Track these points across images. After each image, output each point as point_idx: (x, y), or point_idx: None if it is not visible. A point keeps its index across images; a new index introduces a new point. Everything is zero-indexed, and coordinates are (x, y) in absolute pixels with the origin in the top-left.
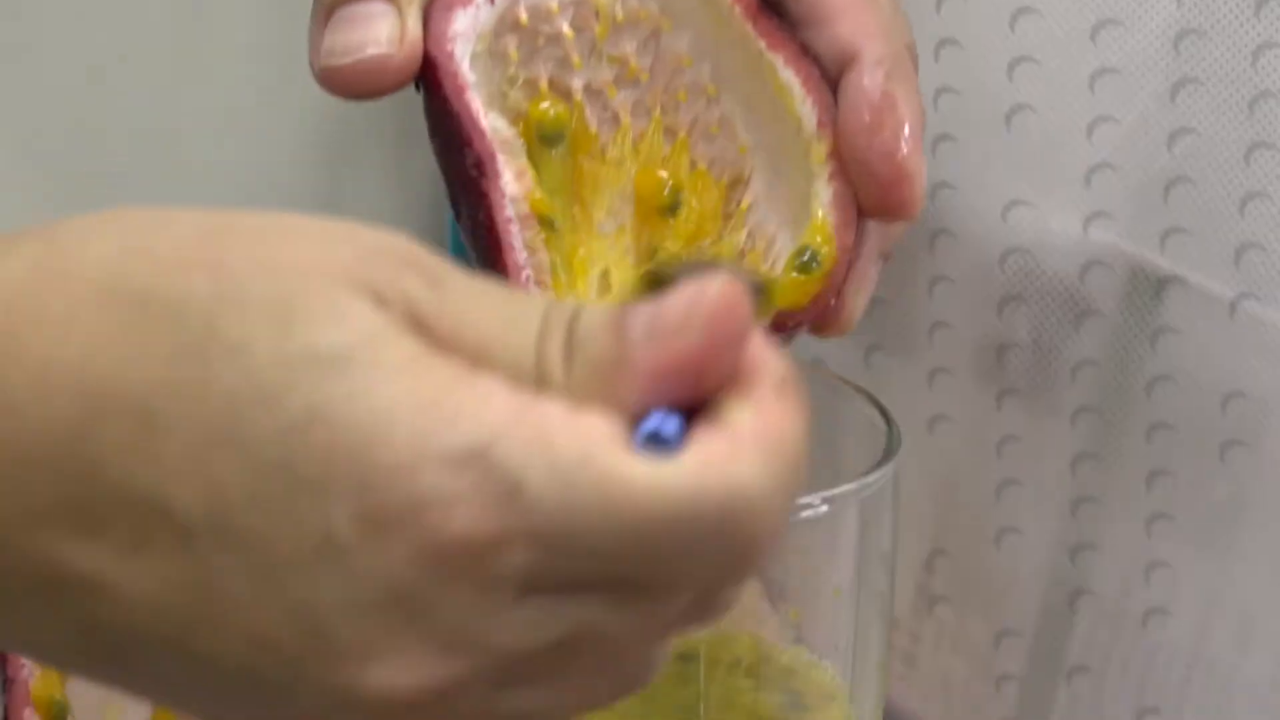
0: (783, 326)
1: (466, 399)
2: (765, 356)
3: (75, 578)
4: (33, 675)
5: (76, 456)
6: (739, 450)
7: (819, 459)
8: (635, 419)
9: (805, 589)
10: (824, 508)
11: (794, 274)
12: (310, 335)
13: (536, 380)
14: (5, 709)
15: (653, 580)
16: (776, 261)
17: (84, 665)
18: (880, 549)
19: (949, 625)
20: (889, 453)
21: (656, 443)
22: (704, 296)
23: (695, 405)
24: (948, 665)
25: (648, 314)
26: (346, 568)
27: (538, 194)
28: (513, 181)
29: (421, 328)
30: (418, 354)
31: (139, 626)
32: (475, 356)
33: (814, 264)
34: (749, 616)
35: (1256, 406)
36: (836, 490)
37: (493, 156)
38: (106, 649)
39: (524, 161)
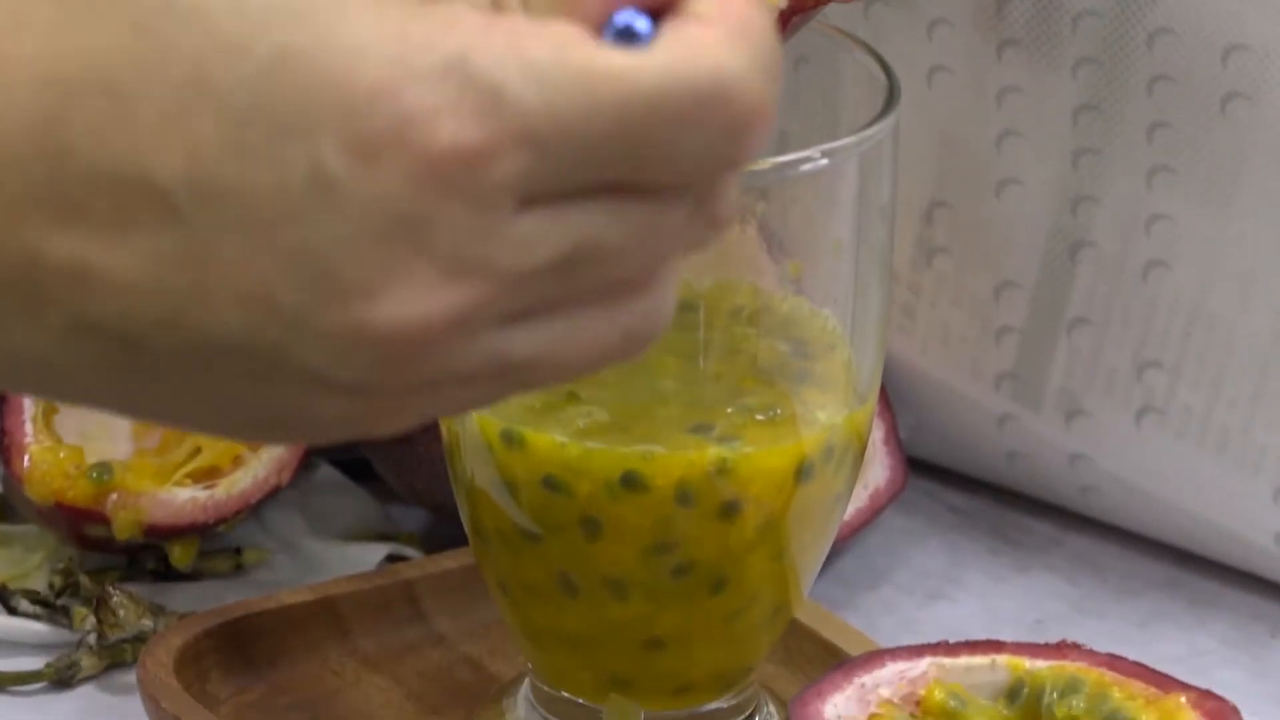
0: (806, 6)
1: (434, 23)
2: None
3: (58, 269)
4: None
5: (45, 144)
6: (710, 33)
7: (818, 112)
8: (600, 28)
9: (805, 243)
10: (823, 161)
11: None
12: None
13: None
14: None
15: (644, 174)
16: None
17: (75, 377)
18: (880, 202)
19: (949, 277)
20: (888, 105)
21: (629, 38)
22: None
23: (655, 10)
24: (947, 317)
25: None
26: (340, 202)
27: None
28: None
29: None
30: None
31: (130, 313)
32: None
33: None
34: (748, 268)
35: (1257, 59)
36: (836, 143)
37: None
38: (98, 349)
39: None
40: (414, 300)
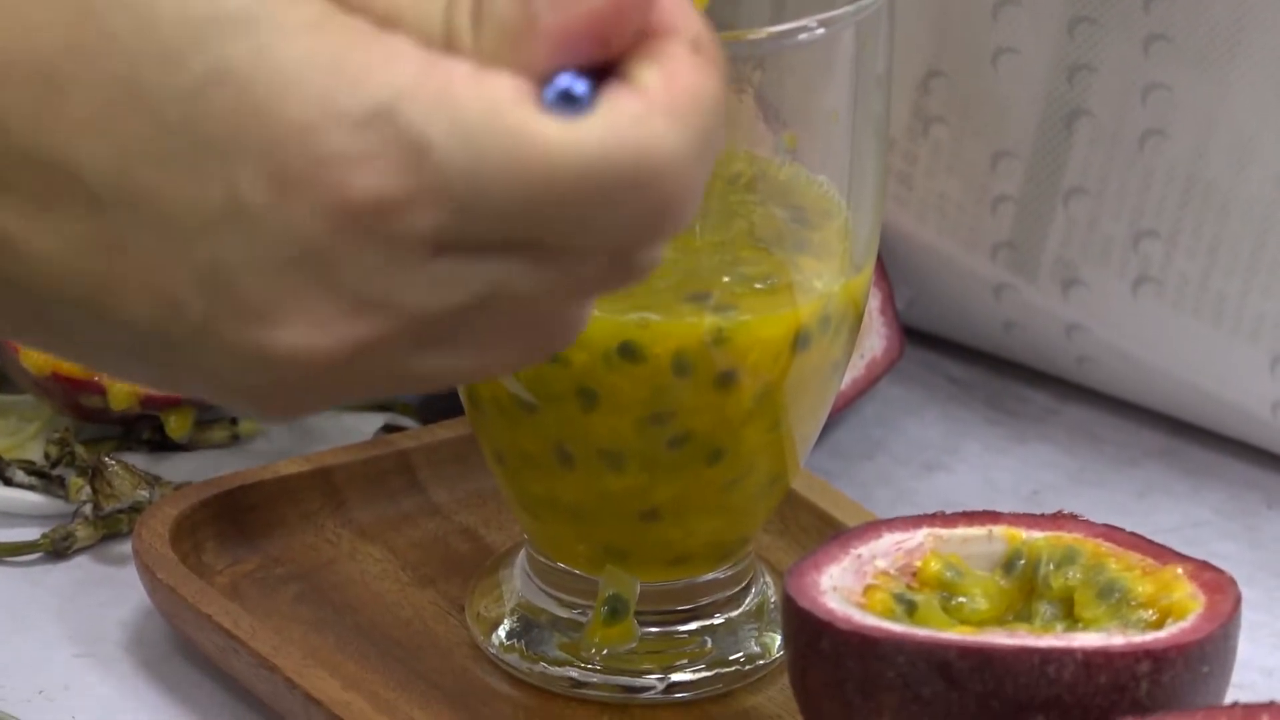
0: None
1: (373, 57)
2: (677, 16)
3: None
4: None
5: None
6: (650, 110)
7: None
8: (544, 82)
9: (801, 112)
10: (820, 31)
11: None
12: None
13: (445, 47)
14: None
15: (565, 241)
16: None
17: (4, 324)
18: (876, 71)
19: (945, 146)
20: None
21: (566, 103)
22: None
23: (604, 68)
24: (944, 186)
25: None
26: (252, 228)
27: None
28: None
29: None
30: (325, 13)
31: (48, 286)
32: (383, 20)
33: None
34: (744, 137)
35: None
36: (832, 13)
37: None
38: (21, 307)
39: None
40: (314, 332)
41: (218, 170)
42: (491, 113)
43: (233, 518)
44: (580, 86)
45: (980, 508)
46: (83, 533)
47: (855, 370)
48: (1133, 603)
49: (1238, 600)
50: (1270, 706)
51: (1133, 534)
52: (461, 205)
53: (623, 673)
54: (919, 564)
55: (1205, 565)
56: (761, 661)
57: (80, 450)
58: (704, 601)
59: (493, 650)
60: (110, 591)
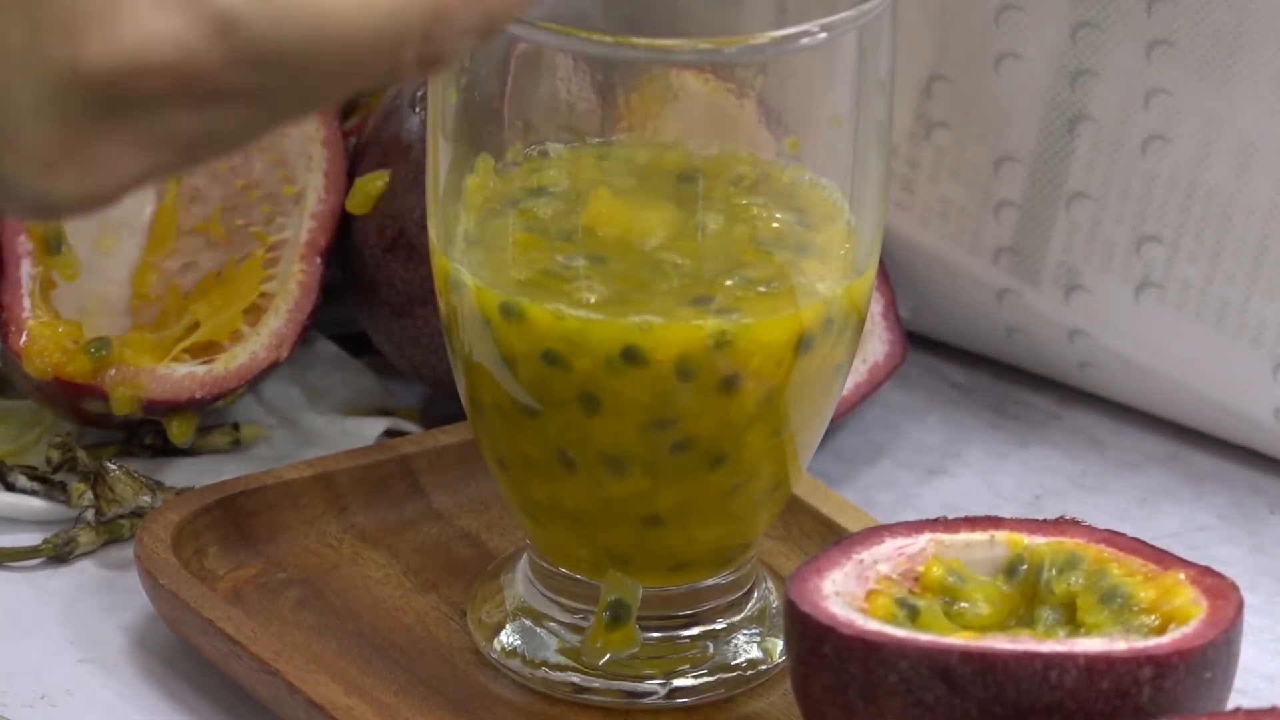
0: None
1: None
2: None
3: None
4: None
5: None
6: None
7: None
8: None
9: (803, 117)
10: (822, 35)
11: None
12: None
13: None
14: None
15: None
16: None
17: None
18: (878, 76)
19: (947, 151)
20: None
21: None
22: None
23: None
24: (946, 191)
25: None
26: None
27: None
28: None
29: None
30: None
31: None
32: None
33: None
34: (746, 142)
35: None
36: (835, 17)
37: None
38: None
39: None
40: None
41: (19, 19)
42: None
43: (235, 523)
44: None
45: (982, 513)
46: (85, 538)
47: (858, 375)
48: (1135, 608)
49: (1240, 606)
50: (1273, 712)
51: (1135, 539)
52: (262, 65)
53: (625, 678)
54: (921, 569)
55: (1207, 570)
56: (763, 667)
57: (82, 455)
58: (706, 607)
59: (494, 655)
60: (112, 597)
